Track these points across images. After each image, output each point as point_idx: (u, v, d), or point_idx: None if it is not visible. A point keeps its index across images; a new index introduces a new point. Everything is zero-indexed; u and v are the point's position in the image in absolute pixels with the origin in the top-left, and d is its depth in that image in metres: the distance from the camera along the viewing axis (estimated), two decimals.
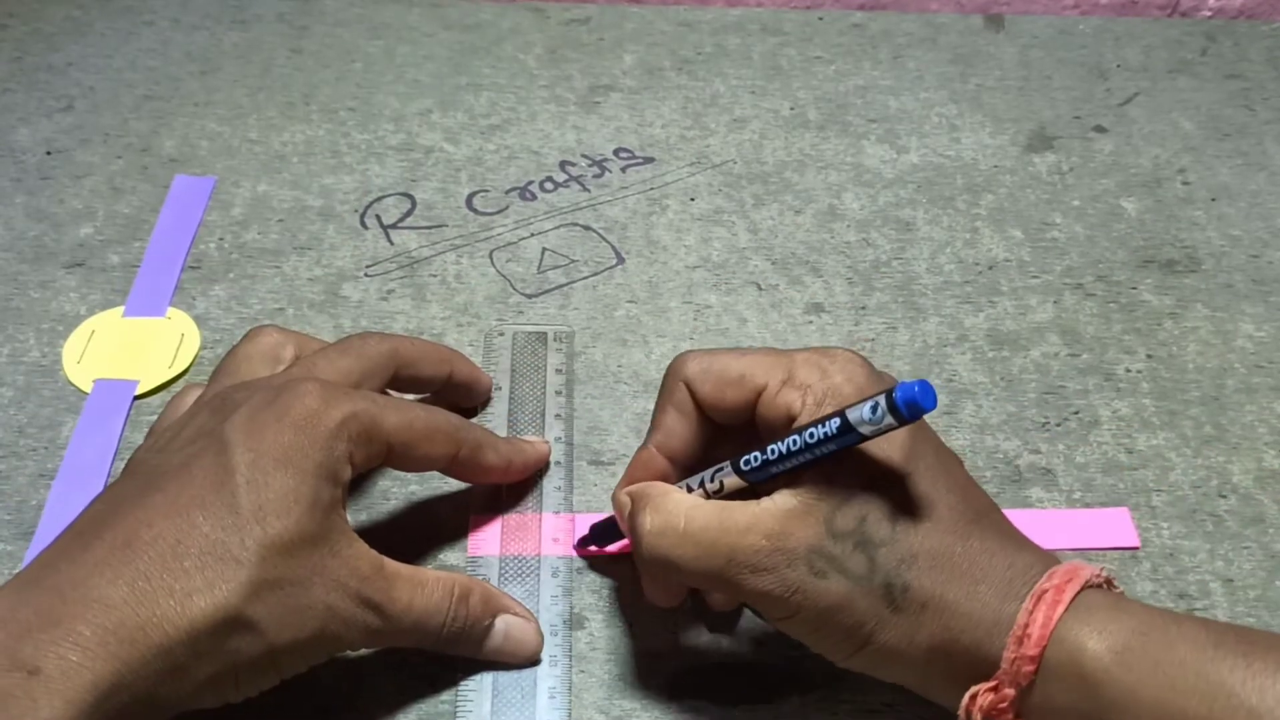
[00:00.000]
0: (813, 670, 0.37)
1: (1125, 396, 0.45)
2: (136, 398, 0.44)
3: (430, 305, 0.48)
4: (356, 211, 0.52)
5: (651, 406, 0.41)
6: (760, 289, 0.49)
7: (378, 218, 0.51)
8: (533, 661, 0.36)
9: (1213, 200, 0.54)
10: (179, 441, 0.33)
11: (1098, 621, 0.29)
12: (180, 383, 0.44)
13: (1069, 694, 0.29)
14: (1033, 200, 0.53)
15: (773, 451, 0.32)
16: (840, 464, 0.31)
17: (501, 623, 0.36)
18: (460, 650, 0.35)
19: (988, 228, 0.52)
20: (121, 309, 0.47)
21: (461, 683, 0.36)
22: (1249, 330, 0.48)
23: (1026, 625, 0.29)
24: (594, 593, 0.39)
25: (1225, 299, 0.49)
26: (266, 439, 0.31)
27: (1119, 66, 0.61)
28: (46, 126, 0.55)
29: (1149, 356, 0.47)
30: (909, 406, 0.28)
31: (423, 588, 0.34)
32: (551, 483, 0.41)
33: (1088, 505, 0.42)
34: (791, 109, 0.58)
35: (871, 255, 0.50)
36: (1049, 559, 0.31)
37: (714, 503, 0.33)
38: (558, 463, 0.42)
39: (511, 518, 0.40)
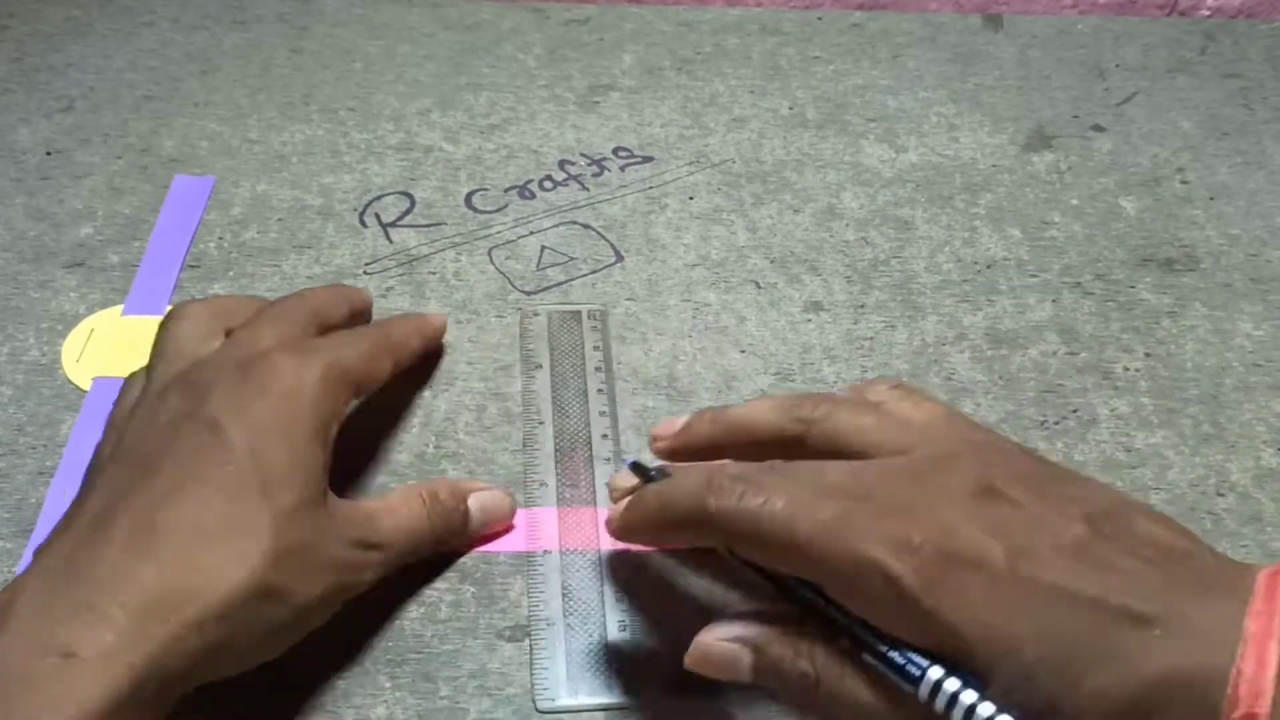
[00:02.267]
0: None
1: (1123, 395, 0.45)
2: None
3: (429, 303, 0.48)
4: (356, 210, 0.52)
5: (650, 404, 0.40)
6: (759, 287, 0.49)
7: (377, 216, 0.51)
8: (510, 524, 0.39)
9: (1211, 199, 0.54)
10: (154, 429, 0.33)
11: None
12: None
13: None
14: (1031, 199, 0.53)
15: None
16: None
17: (474, 501, 0.38)
18: (453, 544, 0.38)
19: (986, 227, 0.52)
20: (121, 308, 0.47)
21: (534, 632, 0.37)
22: (1247, 329, 0.48)
23: None
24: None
25: (1224, 298, 0.49)
26: (254, 413, 0.32)
27: (1118, 66, 0.61)
28: (46, 126, 0.55)
29: (1147, 355, 0.47)
30: None
31: (400, 510, 0.36)
32: (600, 467, 0.42)
33: None
34: (790, 108, 0.58)
35: (870, 254, 0.51)
36: None
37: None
38: (604, 436, 0.42)
39: (568, 510, 0.41)
